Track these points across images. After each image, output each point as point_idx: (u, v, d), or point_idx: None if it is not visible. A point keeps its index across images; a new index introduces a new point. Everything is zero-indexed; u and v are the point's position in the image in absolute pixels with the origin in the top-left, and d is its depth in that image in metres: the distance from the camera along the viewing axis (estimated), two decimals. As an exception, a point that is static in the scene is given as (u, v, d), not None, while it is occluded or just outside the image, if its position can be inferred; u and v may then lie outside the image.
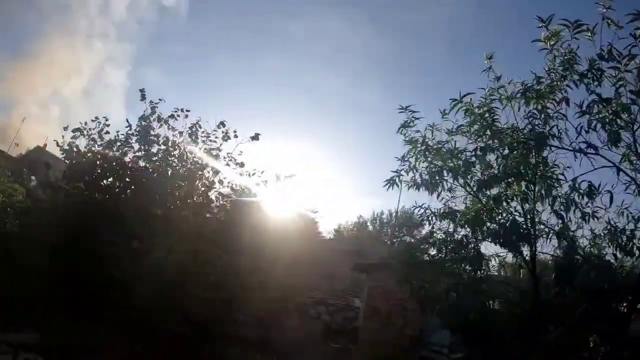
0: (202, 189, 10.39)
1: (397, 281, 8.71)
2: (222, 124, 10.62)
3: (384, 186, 7.60)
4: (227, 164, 10.69)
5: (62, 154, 10.49)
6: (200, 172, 10.35)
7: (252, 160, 11.10)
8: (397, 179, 7.51)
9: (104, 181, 10.14)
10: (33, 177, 22.88)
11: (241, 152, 10.74)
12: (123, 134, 10.37)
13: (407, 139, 7.63)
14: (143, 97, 10.43)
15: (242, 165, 10.81)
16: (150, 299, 8.57)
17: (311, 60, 74.46)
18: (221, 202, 10.62)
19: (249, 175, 10.91)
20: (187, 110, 10.56)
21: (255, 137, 10.73)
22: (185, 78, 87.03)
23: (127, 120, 10.49)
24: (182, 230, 9.36)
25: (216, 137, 10.65)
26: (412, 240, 41.77)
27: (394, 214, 41.63)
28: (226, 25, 78.65)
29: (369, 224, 43.57)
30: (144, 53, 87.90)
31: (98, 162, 10.13)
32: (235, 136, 10.67)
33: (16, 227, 12.74)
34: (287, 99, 73.49)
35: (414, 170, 7.59)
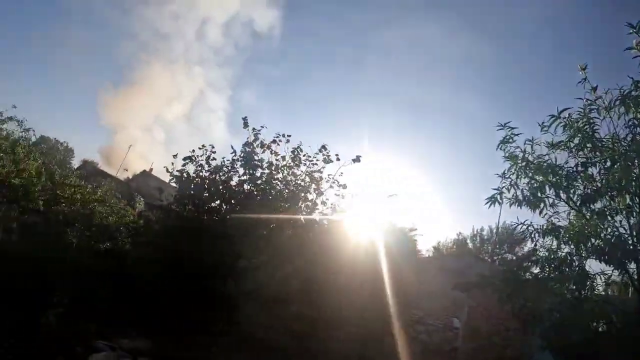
0: (305, 210, 10.90)
1: (498, 300, 8.59)
2: (324, 147, 11.05)
3: (486, 204, 7.69)
4: (331, 186, 11.14)
5: (172, 179, 11.49)
6: (303, 194, 10.88)
7: (353, 179, 11.49)
8: (498, 196, 7.54)
9: (212, 204, 10.91)
10: (141, 198, 25.04)
11: (342, 173, 11.15)
12: (228, 160, 11.13)
13: (507, 154, 7.65)
14: (246, 125, 11.11)
15: (344, 187, 11.18)
16: (255, 314, 9.15)
17: (409, 71, 74.52)
18: (323, 223, 11.04)
19: (352, 196, 11.29)
20: (288, 135, 11.14)
21: (357, 160, 11.02)
22: (282, 97, 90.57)
23: (232, 147, 11.23)
24: (286, 250, 9.87)
25: (317, 160, 11.11)
26: (514, 257, 40.29)
27: (494, 230, 40.28)
28: (320, 42, 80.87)
29: (468, 241, 42.38)
30: (240, 77, 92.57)
31: (206, 186, 11.01)
32: (337, 159, 11.06)
33: (128, 245, 14.20)
34: (385, 112, 73.83)
35: (515, 187, 7.58)
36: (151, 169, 38.99)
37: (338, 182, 11.10)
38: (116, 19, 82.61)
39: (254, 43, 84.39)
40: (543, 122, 7.55)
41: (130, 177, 36.25)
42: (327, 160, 11.02)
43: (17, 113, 13.22)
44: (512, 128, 7.60)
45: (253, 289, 9.43)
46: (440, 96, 66.72)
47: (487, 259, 36.29)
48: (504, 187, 7.66)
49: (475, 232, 42.91)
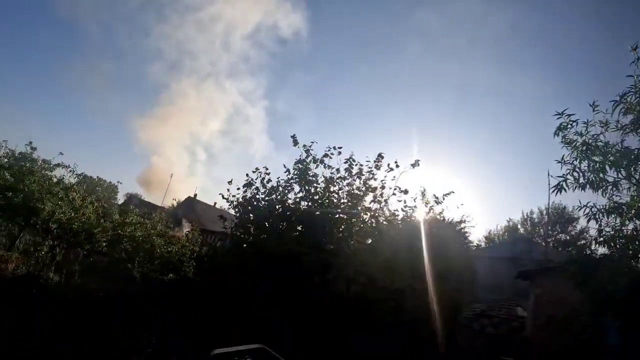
0: (367, 218, 11.14)
1: (575, 285, 8.66)
2: (380, 156, 11.39)
3: (552, 192, 7.79)
4: (393, 193, 11.42)
5: (229, 204, 11.94)
6: (361, 203, 11.13)
7: (409, 181, 11.80)
8: (563, 183, 7.64)
9: (273, 224, 11.23)
10: (187, 223, 25.74)
11: (394, 177, 11.44)
12: (283, 179, 11.55)
13: (566, 141, 7.74)
14: (295, 142, 11.47)
15: (406, 192, 11.47)
16: (335, 327, 9.46)
17: (450, 52, 73.79)
18: (386, 227, 11.22)
19: (414, 200, 11.58)
20: (339, 147, 11.41)
21: (416, 164, 11.30)
22: (317, 100, 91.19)
23: (285, 166, 11.69)
24: (356, 261, 10.13)
25: (371, 168, 11.42)
26: (568, 237, 39.59)
27: (544, 213, 39.69)
28: (351, 36, 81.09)
29: (519, 226, 41.85)
30: (274, 85, 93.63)
31: (264, 208, 11.40)
32: (397, 165, 11.32)
33: (191, 274, 14.73)
34: (427, 100, 73.43)
35: (578, 171, 7.65)
36: (195, 195, 40.26)
37: (399, 189, 11.38)
38: (138, 43, 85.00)
39: (282, 49, 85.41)
40: (594, 102, 7.62)
41: (176, 204, 37.54)
42: (388, 169, 11.32)
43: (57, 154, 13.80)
44: (569, 115, 7.70)
45: (330, 304, 9.71)
46: (485, 76, 66.12)
47: (540, 241, 35.81)
48: (567, 173, 7.72)
49: (525, 217, 42.46)
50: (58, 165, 13.70)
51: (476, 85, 72.80)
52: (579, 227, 38.70)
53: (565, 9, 65.78)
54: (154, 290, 13.86)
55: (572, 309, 11.21)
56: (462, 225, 12.63)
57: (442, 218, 12.07)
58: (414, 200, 11.59)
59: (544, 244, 34.22)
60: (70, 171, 14.22)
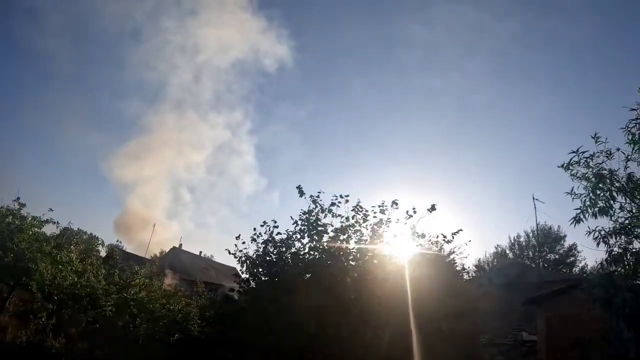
0: (377, 263, 11.29)
1: (600, 305, 9.18)
2: (395, 202, 11.43)
3: (570, 224, 8.42)
4: (418, 237, 11.51)
5: (237, 260, 12.00)
6: (371, 250, 11.35)
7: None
8: (580, 215, 8.25)
9: (283, 277, 11.21)
10: (170, 273, 25.59)
11: (405, 215, 11.40)
12: (291, 230, 11.59)
13: (578, 175, 8.40)
14: (301, 193, 11.64)
15: (422, 236, 11.55)
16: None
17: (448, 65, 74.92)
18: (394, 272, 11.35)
19: (429, 241, 11.58)
20: (346, 195, 11.53)
21: (432, 209, 11.40)
22: (308, 131, 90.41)
23: (292, 217, 11.67)
24: (374, 309, 10.31)
25: (375, 213, 11.45)
26: (556, 256, 40.63)
27: (531, 235, 40.72)
28: (343, 60, 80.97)
29: (508, 251, 42.68)
30: (261, 118, 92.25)
31: (273, 260, 11.59)
32: (414, 212, 11.37)
33: (196, 332, 14.75)
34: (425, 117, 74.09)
35: (592, 203, 8.26)
36: (180, 245, 40.21)
37: (417, 233, 11.47)
38: (112, 77, 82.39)
39: (269, 80, 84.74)
40: (596, 134, 8.32)
41: (158, 254, 37.51)
42: (408, 216, 11.34)
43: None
44: (583, 152, 8.36)
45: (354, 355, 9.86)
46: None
47: (530, 264, 36.59)
48: (584, 204, 8.33)
49: (512, 241, 43.31)
50: (47, 221, 13.58)
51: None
52: (566, 244, 40.08)
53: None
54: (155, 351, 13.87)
55: (584, 328, 11.68)
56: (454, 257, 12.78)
57: (451, 258, 12.24)
58: (429, 241, 11.57)
59: (533, 265, 35.02)
60: (57, 227, 14.12)
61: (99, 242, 16.11)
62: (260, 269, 11.82)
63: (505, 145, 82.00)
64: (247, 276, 12.17)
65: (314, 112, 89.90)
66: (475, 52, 73.25)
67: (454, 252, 12.08)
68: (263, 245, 11.72)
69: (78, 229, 15.28)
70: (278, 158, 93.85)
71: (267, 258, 11.69)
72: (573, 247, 39.88)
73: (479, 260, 43.28)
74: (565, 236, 40.27)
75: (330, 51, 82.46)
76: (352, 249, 11.37)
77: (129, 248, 41.07)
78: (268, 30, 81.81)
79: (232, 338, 12.00)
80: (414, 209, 11.40)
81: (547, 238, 39.60)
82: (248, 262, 11.85)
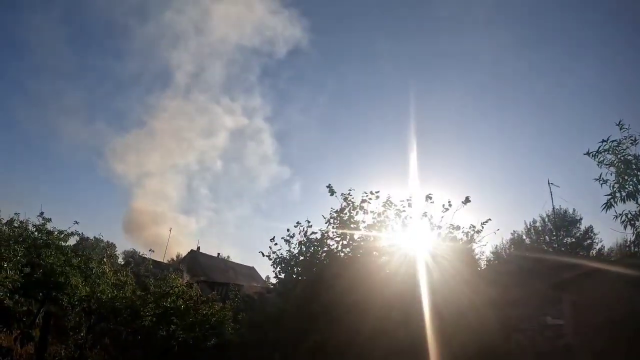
0: (409, 257, 11.73)
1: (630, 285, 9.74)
2: (429, 197, 11.92)
3: (602, 210, 8.97)
4: (451, 232, 11.92)
5: (271, 260, 12.51)
6: (403, 244, 11.70)
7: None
8: (612, 200, 8.86)
9: (324, 276, 11.57)
10: (187, 276, 26.26)
11: (442, 209, 11.87)
12: (323, 229, 12.13)
13: (606, 162, 8.98)
14: (332, 192, 12.20)
15: (457, 228, 11.94)
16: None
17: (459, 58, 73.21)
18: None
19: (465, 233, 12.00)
20: (377, 192, 12.06)
21: (466, 201, 11.78)
22: (324, 116, 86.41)
23: (324, 216, 12.26)
24: (407, 302, 10.72)
25: (407, 206, 11.97)
26: (573, 239, 41.08)
27: (546, 219, 41.10)
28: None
29: (524, 236, 42.95)
30: (277, 106, 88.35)
31: (308, 260, 12.13)
32: (450, 205, 11.78)
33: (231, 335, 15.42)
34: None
35: (622, 188, 8.87)
36: (198, 248, 41.06)
37: (452, 225, 11.86)
38: (112, 67, 79.30)
39: (284, 64, 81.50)
40: (620, 121, 8.91)
41: (175, 257, 38.34)
42: (444, 209, 11.80)
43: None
44: (613, 141, 8.96)
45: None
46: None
47: (547, 249, 37.06)
48: (614, 190, 8.93)
49: (528, 226, 43.55)
50: (72, 234, 14.27)
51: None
52: (582, 228, 40.46)
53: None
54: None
55: (624, 309, 12.16)
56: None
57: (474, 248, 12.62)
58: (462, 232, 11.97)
59: (550, 250, 35.51)
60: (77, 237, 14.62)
61: (116, 249, 16.74)
62: (296, 269, 12.37)
63: (516, 129, 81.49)
64: (283, 276, 12.70)
65: (334, 95, 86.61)
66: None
67: (478, 240, 12.34)
68: (299, 247, 12.28)
69: (95, 237, 15.90)
70: (296, 144, 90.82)
71: (301, 258, 12.25)
72: (589, 230, 40.29)
73: (496, 247, 43.69)
74: (581, 219, 40.56)
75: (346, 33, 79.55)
76: (384, 245, 11.90)
77: (138, 245, 42.12)
78: (279, 11, 79.81)
79: (273, 339, 12.58)
80: (449, 202, 11.82)
81: (563, 222, 40.02)
82: (283, 263, 12.42)
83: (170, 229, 41.83)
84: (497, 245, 43.97)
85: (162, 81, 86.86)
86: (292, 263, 12.42)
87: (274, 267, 12.63)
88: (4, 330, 11.68)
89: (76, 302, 13.14)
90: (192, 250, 40.45)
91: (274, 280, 13.64)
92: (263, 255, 12.72)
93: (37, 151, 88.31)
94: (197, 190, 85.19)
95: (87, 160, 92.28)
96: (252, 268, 44.67)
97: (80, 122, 79.80)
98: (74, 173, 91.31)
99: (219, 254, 44.78)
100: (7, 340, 12.78)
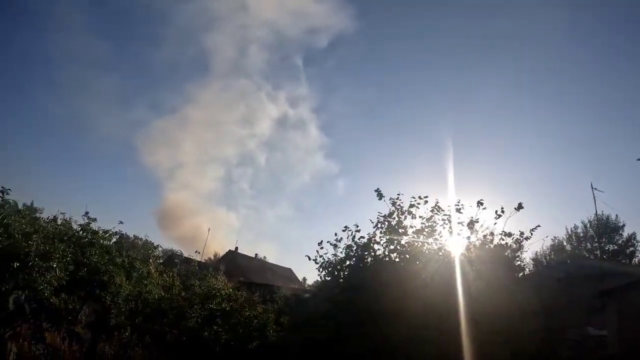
0: (457, 263, 11.78)
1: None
2: (480, 202, 11.99)
3: None
4: (501, 239, 12.06)
5: (317, 264, 12.74)
6: (451, 250, 11.96)
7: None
8: None
9: (371, 281, 11.75)
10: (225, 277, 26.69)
11: (495, 215, 11.95)
12: (370, 233, 12.37)
13: None
14: (380, 196, 12.44)
15: (509, 235, 12.05)
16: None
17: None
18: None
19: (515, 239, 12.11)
20: (425, 197, 12.25)
21: (519, 207, 11.84)
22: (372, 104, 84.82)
23: (371, 220, 12.43)
24: (454, 309, 10.73)
25: (454, 211, 12.10)
26: (615, 247, 40.46)
27: (588, 226, 40.65)
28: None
29: (565, 243, 42.48)
30: (322, 96, 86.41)
31: (353, 264, 12.44)
32: (502, 211, 11.85)
33: (274, 337, 15.79)
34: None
35: None
36: (237, 248, 41.86)
37: (505, 232, 11.98)
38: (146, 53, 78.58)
39: (328, 53, 79.34)
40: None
41: (213, 257, 39.24)
42: (497, 216, 11.91)
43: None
44: None
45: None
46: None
47: (588, 256, 36.63)
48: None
49: (569, 233, 42.99)
50: (116, 234, 14.62)
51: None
52: (625, 234, 39.91)
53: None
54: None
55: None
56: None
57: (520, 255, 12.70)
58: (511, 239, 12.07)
59: (592, 257, 35.05)
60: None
61: (155, 247, 17.21)
62: (342, 273, 12.66)
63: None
64: (328, 280, 12.94)
65: (381, 87, 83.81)
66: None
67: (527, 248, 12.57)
68: (346, 251, 12.54)
69: (134, 235, 16.32)
70: (341, 138, 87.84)
71: (347, 262, 12.53)
72: (632, 237, 39.72)
73: (536, 254, 43.24)
74: (624, 225, 40.14)
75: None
76: (432, 249, 12.10)
77: (172, 240, 43.05)
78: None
79: (316, 343, 12.78)
80: (502, 208, 11.90)
81: (605, 228, 39.52)
82: (330, 267, 12.70)
83: (209, 229, 42.21)
84: (537, 251, 43.65)
85: (199, 68, 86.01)
86: (338, 267, 12.69)
87: (319, 270, 12.94)
88: (52, 328, 12.13)
89: (120, 301, 13.55)
90: (230, 250, 41.34)
91: (311, 283, 13.97)
92: (309, 259, 13.04)
93: (67, 143, 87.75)
94: (235, 183, 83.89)
95: (120, 152, 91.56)
96: (290, 270, 45.17)
97: (114, 113, 79.67)
98: (106, 165, 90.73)
99: (256, 254, 45.54)
100: (52, 338, 13.24)
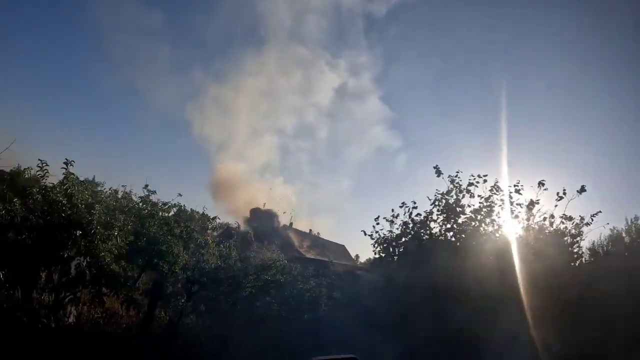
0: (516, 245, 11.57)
1: None
2: (542, 183, 11.76)
3: None
4: (562, 222, 11.76)
5: (373, 240, 12.83)
6: (510, 232, 11.74)
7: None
8: None
9: (429, 258, 11.65)
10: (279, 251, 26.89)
11: (556, 197, 11.66)
12: (427, 211, 12.31)
13: None
14: (439, 173, 12.29)
15: (570, 218, 11.78)
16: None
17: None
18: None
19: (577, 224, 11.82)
20: (485, 175, 11.96)
21: (582, 190, 11.59)
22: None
23: (428, 198, 12.35)
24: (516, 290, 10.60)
25: (514, 191, 11.88)
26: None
27: (649, 216, 38.79)
28: None
29: (624, 234, 40.82)
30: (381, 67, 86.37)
31: (409, 241, 12.36)
32: (565, 194, 11.58)
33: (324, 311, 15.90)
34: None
35: None
36: (291, 223, 42.44)
37: (566, 216, 11.67)
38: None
39: (391, 18, 77.71)
40: None
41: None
42: (558, 198, 11.58)
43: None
44: None
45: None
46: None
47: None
48: None
49: (629, 223, 41.29)
50: (174, 205, 15.10)
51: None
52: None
53: None
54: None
55: None
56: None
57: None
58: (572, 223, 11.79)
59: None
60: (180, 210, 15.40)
61: (211, 218, 17.51)
62: (397, 250, 12.69)
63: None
64: (383, 256, 13.01)
65: (445, 57, 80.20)
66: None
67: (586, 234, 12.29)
68: (402, 227, 12.52)
69: (191, 209, 16.61)
70: (404, 110, 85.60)
71: (404, 239, 12.49)
72: None
73: (593, 243, 41.56)
74: (686, 216, 37.99)
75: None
76: (488, 230, 11.91)
77: (227, 212, 43.37)
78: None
79: (369, 320, 12.88)
80: (564, 190, 11.62)
81: (668, 221, 37.69)
82: (385, 243, 12.71)
83: (264, 204, 42.38)
84: (594, 241, 41.99)
85: (255, 37, 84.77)
86: (394, 244, 12.67)
87: (374, 246, 12.98)
88: (110, 294, 12.55)
89: (177, 270, 13.87)
90: (284, 225, 41.61)
91: (363, 260, 13.88)
92: (365, 234, 13.08)
93: (122, 115, 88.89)
94: (292, 155, 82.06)
95: (174, 122, 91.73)
96: (343, 246, 45.06)
97: (167, 83, 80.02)
98: (161, 136, 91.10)
99: (310, 230, 45.54)
100: (111, 303, 13.78)
